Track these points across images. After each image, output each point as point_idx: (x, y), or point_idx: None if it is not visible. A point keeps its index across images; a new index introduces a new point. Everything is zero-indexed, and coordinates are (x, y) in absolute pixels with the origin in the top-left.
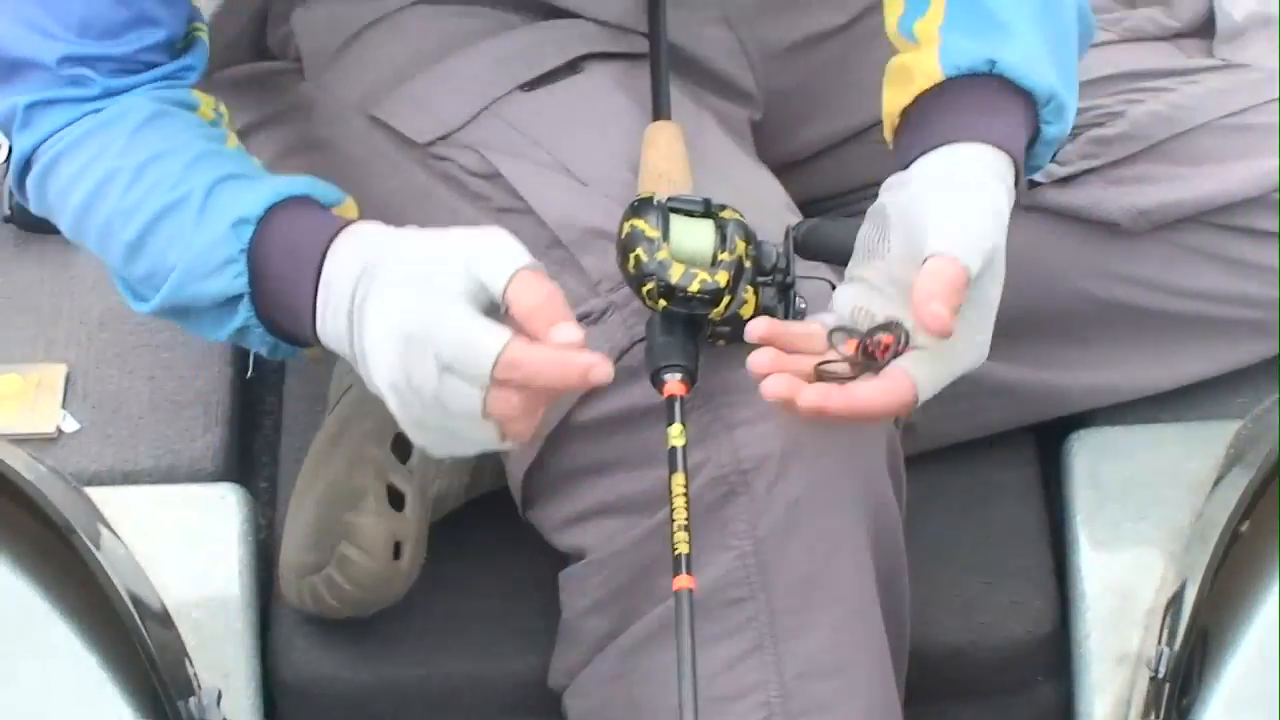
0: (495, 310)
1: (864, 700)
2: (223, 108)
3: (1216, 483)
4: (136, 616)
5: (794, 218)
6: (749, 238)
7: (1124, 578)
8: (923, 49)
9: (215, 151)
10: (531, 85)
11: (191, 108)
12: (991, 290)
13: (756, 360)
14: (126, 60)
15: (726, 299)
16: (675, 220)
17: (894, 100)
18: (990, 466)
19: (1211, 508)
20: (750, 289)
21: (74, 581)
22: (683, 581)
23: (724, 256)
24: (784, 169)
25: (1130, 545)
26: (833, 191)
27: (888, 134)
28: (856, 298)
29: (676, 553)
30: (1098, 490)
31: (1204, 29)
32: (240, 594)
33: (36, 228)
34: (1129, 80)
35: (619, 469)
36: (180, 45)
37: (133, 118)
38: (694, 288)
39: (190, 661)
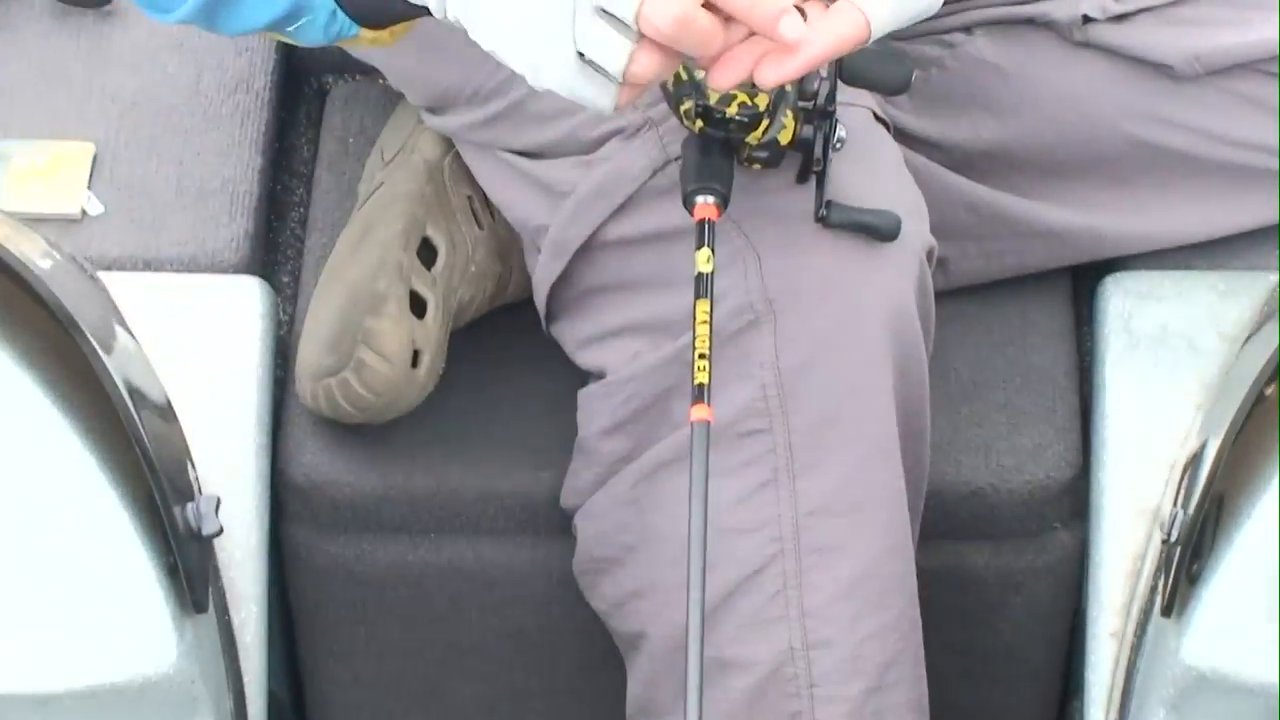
0: None
1: (876, 541)
2: None
3: (1248, 339)
4: (137, 418)
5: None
6: None
7: (1150, 429)
8: None
9: None
10: None
11: None
12: None
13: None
14: None
15: (765, 123)
16: None
17: None
18: (1024, 305)
19: (1240, 365)
20: (790, 114)
21: (76, 377)
22: (700, 412)
23: None
24: None
25: (1159, 395)
26: None
27: None
28: None
29: (696, 382)
30: (1130, 335)
31: None
32: (254, 391)
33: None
34: None
35: (646, 289)
36: None
37: None
38: (732, 110)
39: (192, 464)
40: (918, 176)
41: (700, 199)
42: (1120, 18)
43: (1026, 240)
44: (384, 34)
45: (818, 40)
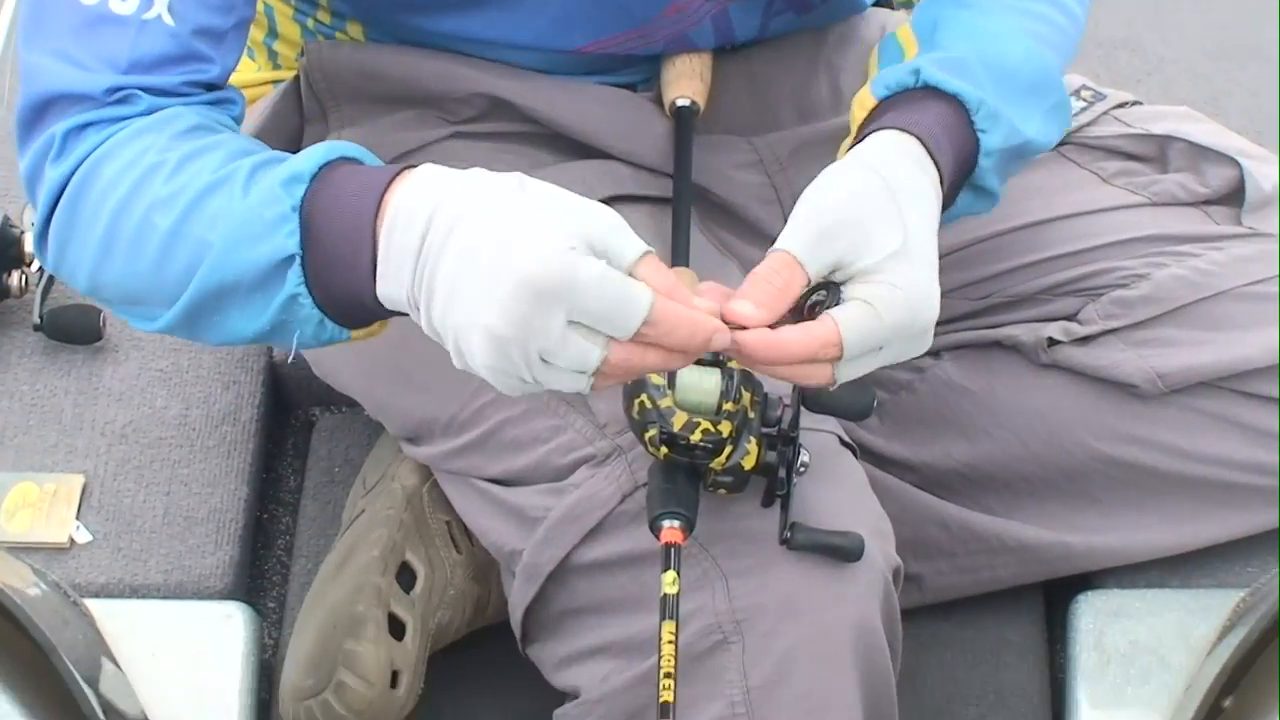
0: None
1: None
2: None
3: (1209, 653)
4: None
5: None
6: (754, 389)
7: None
8: (864, 90)
9: (259, 146)
10: None
11: (232, 129)
12: (885, 248)
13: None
14: (173, 90)
15: (728, 449)
16: (682, 368)
17: (844, 147)
18: (996, 622)
19: (1199, 679)
20: (754, 440)
21: (52, 697)
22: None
23: (729, 407)
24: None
25: (1129, 709)
26: None
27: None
28: None
29: (661, 700)
30: (1101, 653)
31: (1233, 197)
32: (239, 711)
33: (65, 337)
34: (1155, 243)
35: (617, 611)
36: (221, 89)
37: (180, 122)
38: (696, 437)
39: None
40: (889, 495)
41: (666, 523)
42: (1084, 340)
43: (998, 556)
44: (374, 327)
45: (794, 340)
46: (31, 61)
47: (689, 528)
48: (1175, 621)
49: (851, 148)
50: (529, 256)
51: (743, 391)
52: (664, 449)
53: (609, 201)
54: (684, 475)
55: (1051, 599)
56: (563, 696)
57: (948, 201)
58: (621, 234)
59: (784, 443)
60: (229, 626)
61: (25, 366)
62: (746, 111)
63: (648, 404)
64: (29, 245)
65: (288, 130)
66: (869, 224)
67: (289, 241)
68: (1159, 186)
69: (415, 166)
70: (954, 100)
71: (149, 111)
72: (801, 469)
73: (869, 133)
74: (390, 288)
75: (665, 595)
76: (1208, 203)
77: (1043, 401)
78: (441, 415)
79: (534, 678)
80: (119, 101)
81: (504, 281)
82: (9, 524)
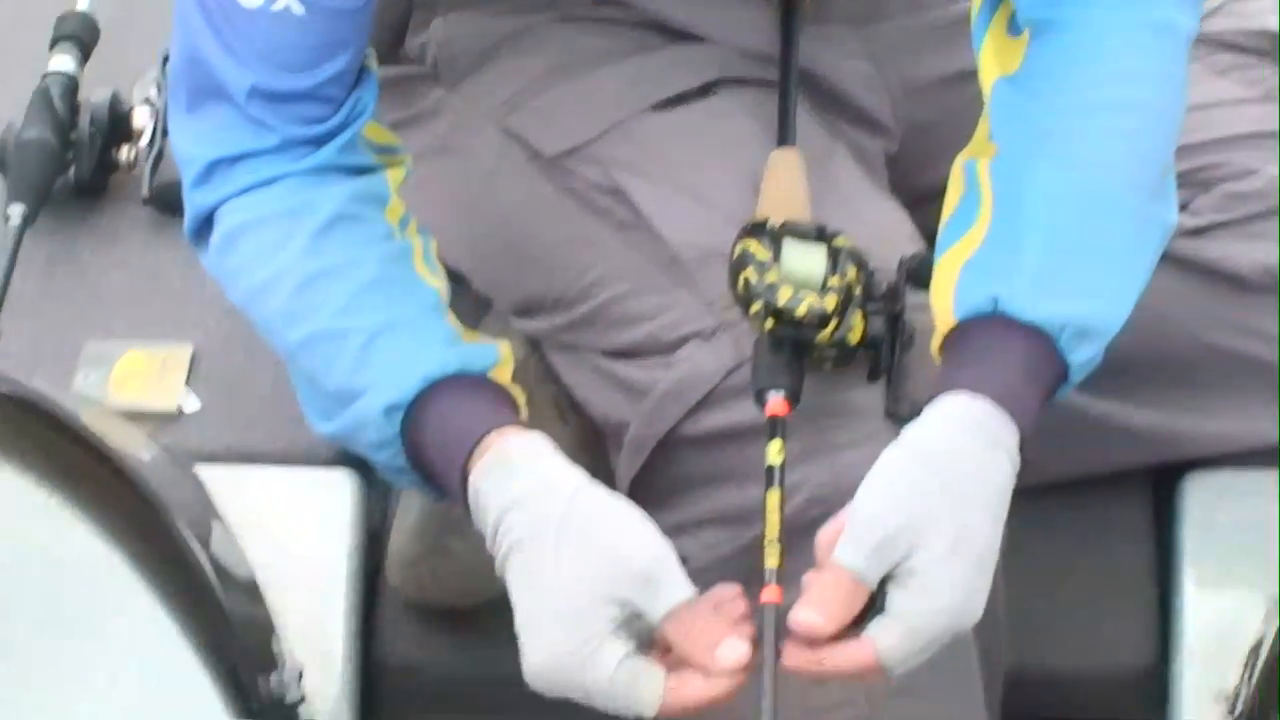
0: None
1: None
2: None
3: None
4: (221, 591)
5: (918, 249)
6: (861, 264)
7: (1226, 619)
8: (943, 290)
9: (387, 280)
10: (663, 106)
11: (381, 202)
12: (933, 552)
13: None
14: (309, 96)
15: (833, 323)
16: (787, 243)
17: (933, 345)
18: (1103, 503)
19: None
20: (859, 315)
21: (163, 555)
22: (770, 594)
23: (834, 281)
24: (918, 202)
25: (1236, 588)
26: None
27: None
28: None
29: (767, 565)
30: (1208, 531)
31: None
32: (346, 577)
33: (174, 210)
34: (1268, 139)
35: (723, 483)
36: (354, 77)
37: (318, 215)
38: (801, 311)
39: (278, 638)
40: None
41: (771, 395)
42: (1195, 231)
43: (1107, 439)
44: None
45: (836, 665)
46: (190, 19)
47: (794, 400)
48: None
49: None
50: (538, 654)
51: (848, 266)
52: (769, 322)
53: (716, 84)
54: (789, 349)
55: (1158, 481)
56: None
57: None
58: (652, 592)
59: (890, 318)
60: (337, 493)
61: (135, 239)
62: (856, 1)
63: (752, 278)
64: (138, 120)
65: (395, 12)
66: (921, 529)
67: (397, 460)
68: (1271, 82)
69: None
70: (1039, 331)
71: (281, 147)
72: (908, 344)
73: (937, 393)
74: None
75: (770, 466)
76: None
77: (1152, 290)
78: (551, 290)
79: None
80: (254, 123)
81: (533, 650)
82: (118, 392)
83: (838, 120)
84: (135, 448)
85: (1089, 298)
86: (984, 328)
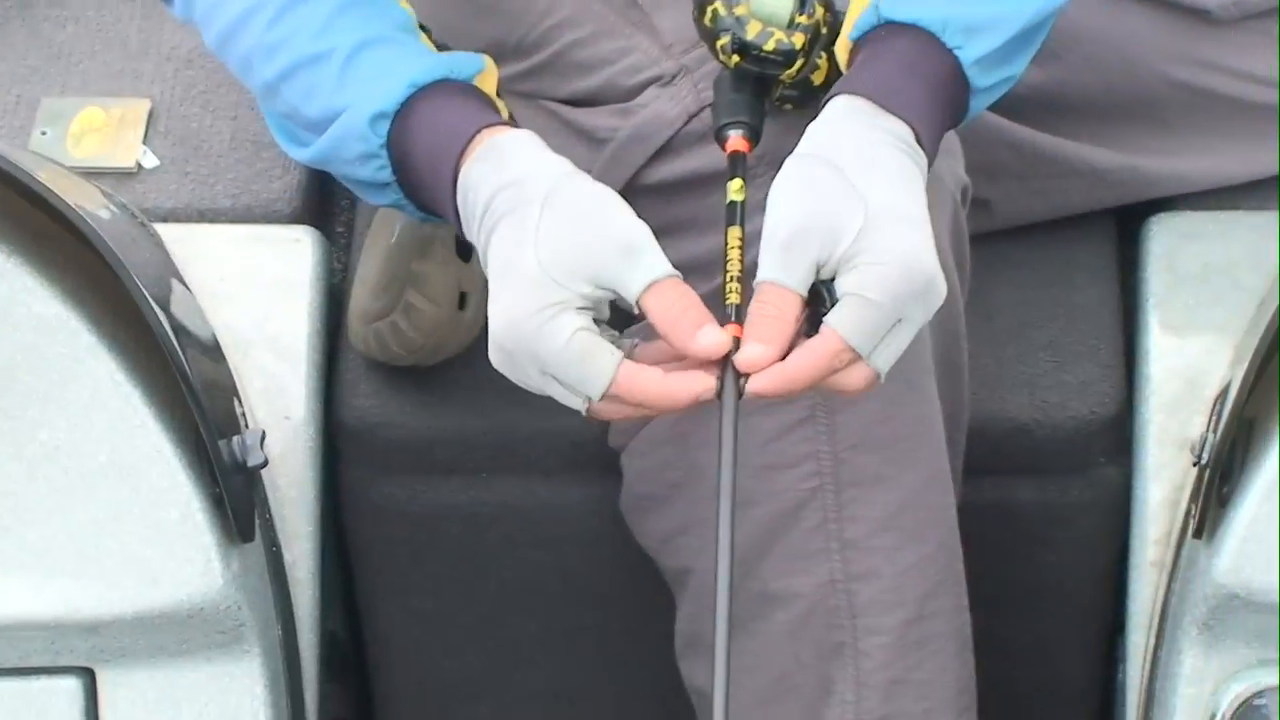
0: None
1: (915, 472)
2: None
3: None
4: (182, 356)
5: None
6: (829, 4)
7: (1192, 363)
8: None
9: (359, 3)
10: None
11: None
12: (850, 222)
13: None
14: None
15: (800, 61)
16: None
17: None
18: (1068, 245)
19: (1271, 296)
20: (824, 55)
21: (122, 316)
22: (732, 329)
23: (802, 20)
24: None
25: (1201, 331)
26: None
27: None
28: None
29: (728, 302)
30: (1173, 274)
31: None
32: (307, 336)
33: None
34: None
35: (685, 230)
36: None
37: None
38: (769, 46)
39: (240, 400)
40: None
41: (732, 132)
42: None
43: (1069, 180)
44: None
45: (800, 368)
46: None
47: (755, 138)
48: (1248, 243)
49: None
50: (500, 318)
51: (816, 6)
52: (735, 57)
53: None
54: (751, 87)
55: (1124, 223)
56: (633, 317)
57: (954, 121)
58: (632, 263)
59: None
60: (297, 250)
61: None
62: None
63: (721, 11)
64: None
65: None
66: (829, 216)
67: (382, 173)
68: None
69: (481, 133)
70: (919, 30)
71: None
72: None
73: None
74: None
75: (732, 202)
76: None
77: (1116, 26)
78: (510, 37)
79: None
80: None
81: (494, 327)
82: (75, 148)
83: None
84: (93, 206)
85: None
86: (871, 38)
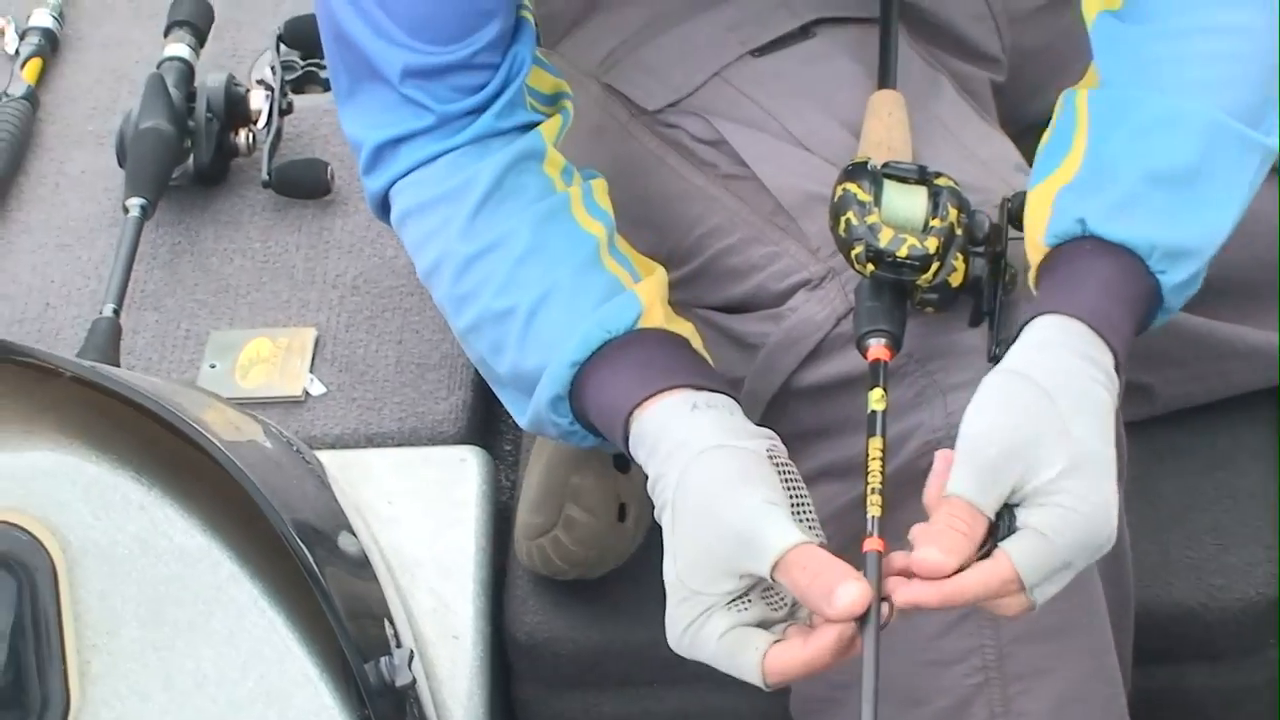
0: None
1: (1082, 664)
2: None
3: None
4: (321, 577)
5: (1026, 180)
6: (962, 205)
7: None
8: (1036, 214)
9: (540, 247)
10: (762, 51)
11: (539, 158)
12: (1052, 470)
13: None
14: (463, 67)
15: (935, 265)
16: (889, 185)
17: (1031, 278)
18: (1229, 428)
19: None
20: (960, 256)
21: (265, 545)
22: (873, 544)
23: (935, 223)
24: (1027, 132)
25: None
26: None
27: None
28: None
29: (870, 515)
30: None
31: None
32: (474, 554)
33: (294, 192)
34: None
35: (838, 433)
36: (509, 37)
37: (474, 194)
38: (902, 253)
39: (391, 621)
40: None
41: (873, 341)
42: None
43: (1229, 362)
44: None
45: (966, 586)
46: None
47: (896, 345)
48: None
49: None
50: (668, 624)
51: (949, 208)
52: (870, 265)
53: (815, 25)
54: (890, 293)
55: None
56: None
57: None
58: (756, 550)
59: (992, 259)
60: (464, 470)
61: (256, 224)
62: None
63: (854, 220)
64: (254, 103)
65: None
66: (1034, 447)
67: (585, 440)
68: None
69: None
70: (1125, 250)
71: (439, 125)
72: (1010, 284)
73: (1031, 318)
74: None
75: (873, 411)
76: None
77: (1266, 204)
78: (661, 247)
79: None
80: (410, 103)
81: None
82: (244, 380)
83: (941, 52)
84: (249, 437)
85: (1182, 219)
86: (1073, 251)
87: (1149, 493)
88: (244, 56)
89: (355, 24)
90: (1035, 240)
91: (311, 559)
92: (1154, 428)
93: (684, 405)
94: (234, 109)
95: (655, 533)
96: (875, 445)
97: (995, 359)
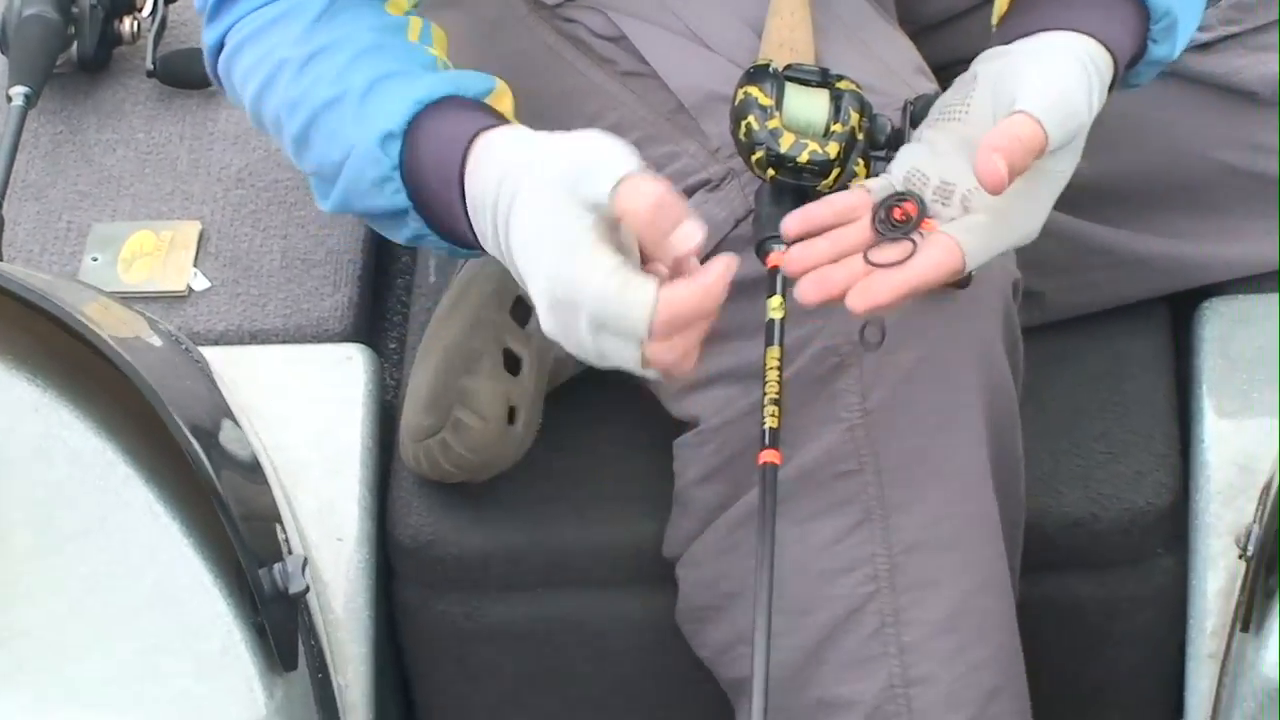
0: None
1: (974, 574)
2: None
3: None
4: (218, 482)
5: (926, 83)
6: (864, 110)
7: (1248, 450)
8: None
9: (380, 46)
10: None
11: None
12: (1062, 166)
13: (792, 259)
14: None
15: (836, 171)
16: (790, 89)
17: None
18: (1121, 335)
19: None
20: (861, 162)
21: (160, 447)
22: (768, 455)
23: (837, 128)
24: (925, 30)
25: (1257, 417)
26: (967, 58)
27: (995, 18)
28: (916, 159)
29: (765, 426)
30: (1227, 360)
31: None
32: (360, 455)
33: (179, 82)
34: None
35: (733, 338)
36: None
37: (312, 8)
38: (803, 158)
39: (282, 526)
40: None
41: (774, 246)
42: (1204, 46)
43: (1120, 270)
44: None
45: (911, 269)
46: None
47: None
48: None
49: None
50: (542, 285)
51: (851, 112)
52: (770, 170)
53: None
54: (791, 199)
55: (1176, 310)
56: (683, 426)
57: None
58: (595, 169)
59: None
60: (349, 368)
61: (140, 114)
62: None
63: (755, 125)
64: None
65: None
66: (1080, 135)
67: (398, 199)
68: None
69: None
70: (1140, 4)
71: None
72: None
73: (1059, 27)
74: (491, 251)
75: (771, 320)
76: None
77: (1161, 111)
78: None
79: (653, 409)
80: None
81: (536, 293)
82: (127, 273)
83: None
84: (139, 335)
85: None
86: None
87: (1039, 400)
88: None
89: None
90: None
91: (208, 463)
92: (1045, 334)
93: (531, 132)
94: None
95: (542, 435)
96: (773, 355)
97: None
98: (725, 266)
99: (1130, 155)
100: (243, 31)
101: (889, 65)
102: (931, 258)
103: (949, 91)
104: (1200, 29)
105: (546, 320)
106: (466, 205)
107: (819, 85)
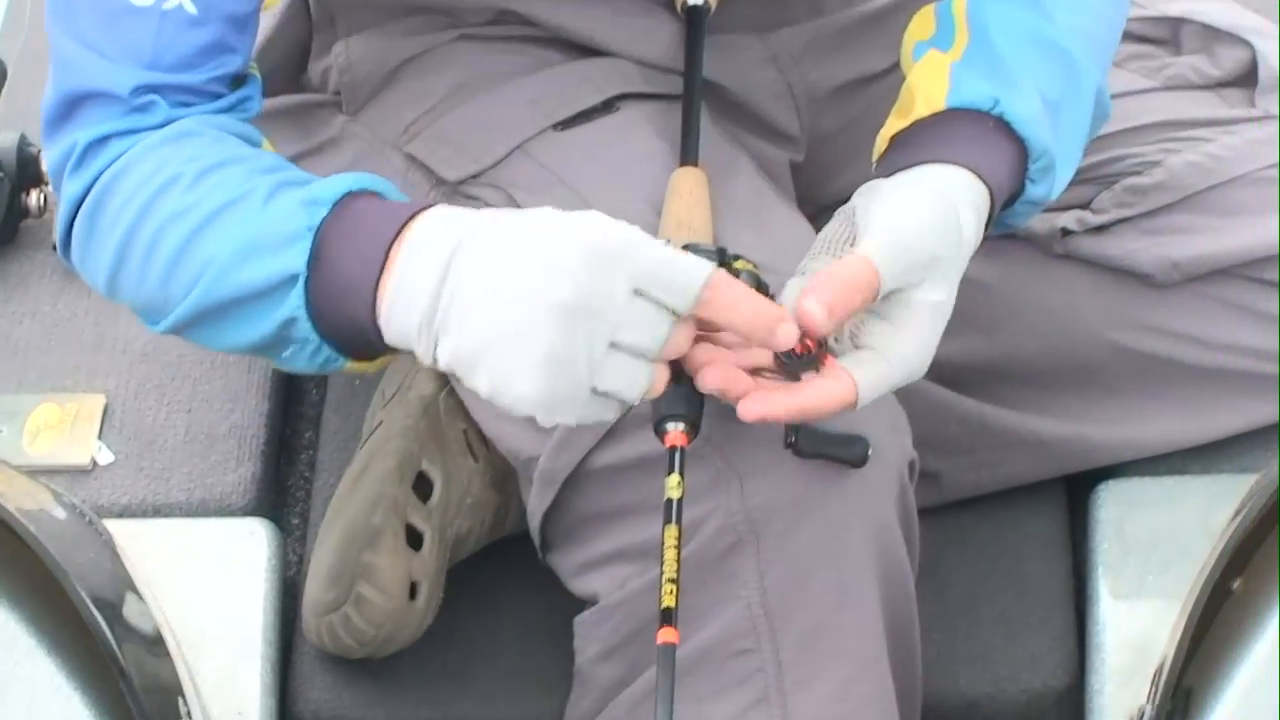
0: None
1: None
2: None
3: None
4: (120, 654)
5: None
6: (761, 289)
7: (1143, 632)
8: (932, 81)
9: (282, 165)
10: (565, 124)
11: (255, 143)
12: (931, 297)
13: (697, 357)
14: (196, 89)
15: None
16: None
17: (892, 126)
18: (1017, 516)
19: (1207, 566)
20: None
21: (64, 619)
22: (666, 634)
23: None
24: (823, 212)
25: (1152, 599)
26: None
27: (875, 155)
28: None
29: (663, 606)
30: (1122, 543)
31: (1246, 79)
32: (262, 630)
33: None
34: (1168, 129)
35: (632, 516)
36: (244, 84)
37: (202, 137)
38: None
39: (184, 699)
40: (904, 391)
41: (670, 426)
42: (1098, 229)
43: (1017, 451)
44: (374, 362)
45: (807, 392)
46: (61, 47)
47: (694, 430)
48: (1197, 509)
49: (908, 164)
50: (592, 229)
51: None
52: None
53: (618, 100)
54: (688, 378)
55: (1073, 491)
56: (583, 604)
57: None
58: (679, 269)
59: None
60: (252, 543)
61: (46, 287)
62: (758, 7)
63: None
64: (46, 163)
65: (296, 37)
66: (934, 262)
67: (297, 260)
68: (1172, 70)
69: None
70: (1019, 143)
71: (167, 123)
72: (809, 365)
73: (933, 160)
74: (400, 317)
75: (669, 499)
76: (1221, 85)
77: (1057, 293)
78: None
79: (554, 586)
80: (140, 109)
81: (568, 254)
82: (31, 446)
83: (741, 130)
84: (42, 507)
85: (1064, 146)
86: (976, 121)
87: (937, 580)
88: (36, 116)
89: (81, 54)
90: (930, 99)
91: (110, 635)
92: (943, 515)
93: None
94: (25, 170)
95: (444, 611)
96: (671, 533)
97: (791, 444)
98: (783, 319)
99: (1025, 336)
100: (117, 166)
101: (786, 245)
102: (825, 387)
103: (830, 224)
104: (1096, 212)
105: (569, 291)
106: (386, 270)
107: (717, 265)
